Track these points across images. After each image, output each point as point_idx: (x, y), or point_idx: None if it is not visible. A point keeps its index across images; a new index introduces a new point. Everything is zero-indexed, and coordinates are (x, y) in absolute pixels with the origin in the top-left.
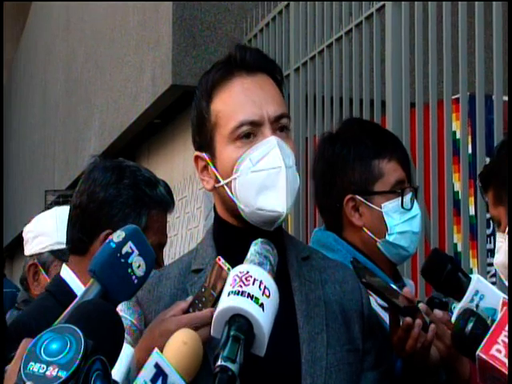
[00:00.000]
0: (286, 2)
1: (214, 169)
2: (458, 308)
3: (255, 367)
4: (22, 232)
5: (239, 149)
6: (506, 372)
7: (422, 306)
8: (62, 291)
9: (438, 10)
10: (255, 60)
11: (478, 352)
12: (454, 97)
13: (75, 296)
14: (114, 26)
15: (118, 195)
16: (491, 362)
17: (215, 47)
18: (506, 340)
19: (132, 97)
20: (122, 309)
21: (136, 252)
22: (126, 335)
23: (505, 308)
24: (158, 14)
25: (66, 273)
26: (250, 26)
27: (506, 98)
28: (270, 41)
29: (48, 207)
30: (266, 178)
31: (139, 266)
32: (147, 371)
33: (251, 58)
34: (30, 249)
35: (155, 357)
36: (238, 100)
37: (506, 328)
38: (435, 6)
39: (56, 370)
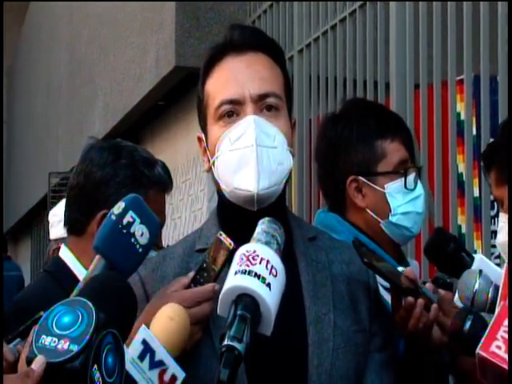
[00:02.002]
0: None
1: (207, 149)
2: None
3: (262, 349)
4: (25, 214)
5: (221, 128)
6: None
7: (428, 285)
8: (61, 271)
9: None
10: (246, 38)
11: (477, 350)
12: (458, 78)
13: (74, 276)
14: (118, 8)
15: (115, 175)
16: (491, 359)
17: (219, 28)
18: (506, 335)
19: (136, 78)
20: None
21: (138, 220)
22: None
23: (502, 303)
24: None
25: (65, 253)
26: (254, 8)
27: None
28: (273, 22)
29: (52, 189)
30: (241, 157)
31: (142, 234)
32: (135, 348)
33: (241, 37)
34: (55, 232)
35: (142, 333)
36: (223, 79)
37: (505, 323)
38: None
39: (67, 343)
